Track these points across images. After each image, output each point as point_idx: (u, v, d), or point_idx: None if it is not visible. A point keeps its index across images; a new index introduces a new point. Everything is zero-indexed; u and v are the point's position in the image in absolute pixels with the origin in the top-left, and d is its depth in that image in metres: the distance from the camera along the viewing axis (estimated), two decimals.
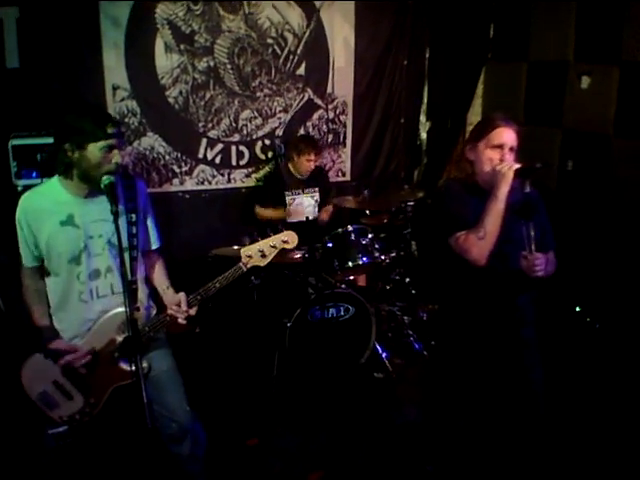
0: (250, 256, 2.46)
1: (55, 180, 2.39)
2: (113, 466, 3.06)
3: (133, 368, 2.28)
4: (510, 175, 2.35)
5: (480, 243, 2.37)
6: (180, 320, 2.42)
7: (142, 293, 2.56)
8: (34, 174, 3.94)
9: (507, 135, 2.45)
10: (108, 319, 2.43)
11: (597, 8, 4.70)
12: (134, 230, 2.39)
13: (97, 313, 2.44)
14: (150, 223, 2.64)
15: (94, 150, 2.24)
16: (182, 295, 2.43)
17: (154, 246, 2.67)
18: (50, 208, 2.35)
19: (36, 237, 2.37)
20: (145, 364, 2.42)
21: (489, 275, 2.47)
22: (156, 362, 2.51)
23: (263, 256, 2.47)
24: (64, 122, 2.30)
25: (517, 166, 2.36)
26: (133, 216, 2.41)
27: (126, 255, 2.34)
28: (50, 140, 3.87)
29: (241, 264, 2.46)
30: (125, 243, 2.36)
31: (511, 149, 2.45)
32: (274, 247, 2.48)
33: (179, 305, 2.40)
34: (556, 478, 2.97)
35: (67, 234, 2.36)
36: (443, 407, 2.82)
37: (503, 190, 2.35)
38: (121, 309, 2.39)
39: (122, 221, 2.35)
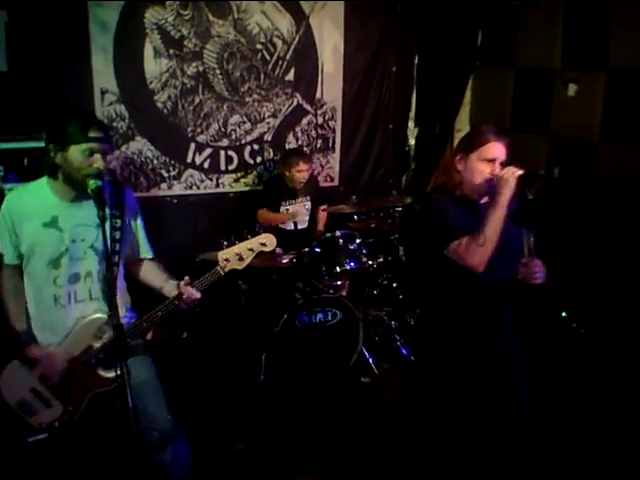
0: (228, 259, 2.45)
1: (44, 180, 2.39)
2: (94, 473, 3.03)
3: (112, 375, 2.30)
4: (513, 182, 2.33)
5: (480, 250, 2.33)
6: (188, 300, 2.40)
7: (121, 301, 2.50)
8: (21, 178, 3.91)
9: (498, 149, 2.46)
10: (85, 325, 2.41)
11: (584, 16, 4.76)
12: (117, 236, 2.37)
13: (74, 319, 2.42)
14: (142, 232, 2.63)
15: (75, 153, 2.23)
16: (187, 278, 2.43)
17: (147, 255, 2.66)
18: (35, 208, 2.34)
19: (18, 235, 2.36)
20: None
21: (479, 285, 2.46)
22: (135, 369, 2.46)
23: (241, 259, 2.47)
24: (51, 123, 2.30)
25: (520, 172, 2.35)
26: (118, 222, 2.39)
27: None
28: (37, 144, 3.96)
29: (218, 268, 2.45)
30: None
31: (501, 163, 2.46)
32: (251, 250, 2.48)
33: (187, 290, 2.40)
34: None
35: (49, 236, 2.35)
36: (427, 412, 2.83)
37: (506, 196, 2.33)
38: (98, 315, 2.40)
39: (107, 226, 2.33)
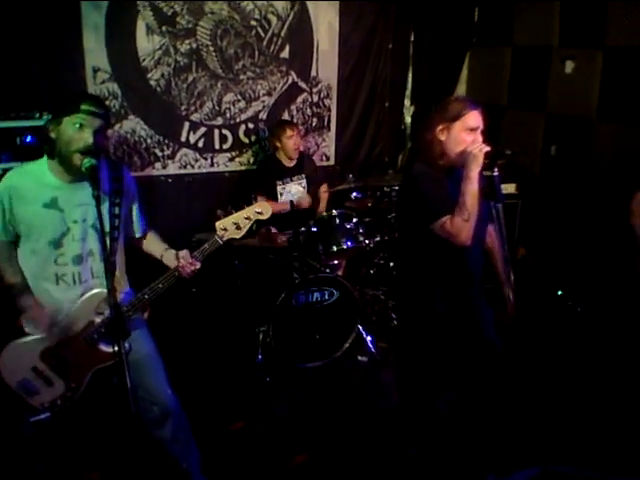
0: (225, 229, 2.49)
1: (44, 161, 2.37)
2: (95, 451, 3.05)
3: (111, 350, 2.32)
4: (481, 157, 2.42)
5: (466, 225, 2.42)
6: (187, 273, 2.44)
7: (121, 275, 2.55)
8: (12, 157, 3.87)
9: (479, 118, 2.56)
10: (85, 300, 2.41)
11: None
12: (116, 211, 2.38)
13: (78, 296, 2.42)
14: (136, 211, 2.64)
15: (67, 125, 2.23)
16: (185, 250, 2.48)
17: (137, 234, 2.68)
18: (35, 189, 2.33)
19: (14, 215, 2.34)
20: (126, 345, 2.40)
21: (461, 257, 2.57)
22: (136, 343, 2.46)
23: (238, 228, 2.51)
24: (54, 103, 2.31)
25: (487, 149, 2.44)
26: (117, 198, 2.40)
27: (107, 238, 2.34)
28: (29, 123, 3.90)
29: (216, 237, 2.48)
30: (108, 226, 2.35)
31: (482, 131, 2.56)
32: (248, 219, 2.52)
33: (186, 260, 2.44)
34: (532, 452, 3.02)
35: (50, 217, 2.34)
36: (414, 388, 2.87)
37: (475, 171, 2.42)
38: (98, 290, 2.40)
39: (106, 203, 2.36)
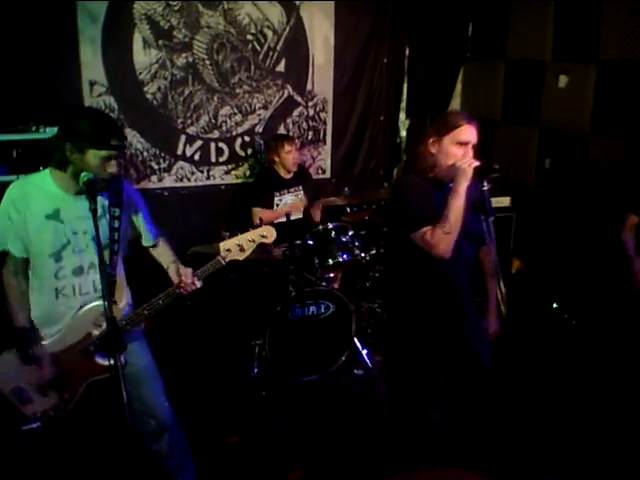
0: (229, 250, 2.51)
1: (47, 172, 2.37)
2: (89, 463, 3.02)
3: (110, 363, 2.30)
4: (470, 172, 2.41)
5: (446, 237, 2.42)
6: (187, 290, 2.47)
7: (122, 290, 2.53)
8: (9, 170, 3.86)
9: (471, 133, 2.54)
10: (84, 312, 2.41)
11: (574, 7, 4.76)
12: (116, 224, 2.39)
13: (77, 309, 2.42)
14: (142, 221, 2.65)
15: (93, 157, 2.24)
16: (189, 269, 2.50)
17: (147, 243, 2.69)
18: (38, 200, 2.33)
19: (26, 224, 2.33)
20: (122, 358, 2.39)
21: (444, 270, 2.56)
22: (133, 356, 2.47)
23: (241, 250, 2.53)
24: (72, 121, 2.28)
25: (476, 164, 2.43)
26: (117, 210, 2.40)
27: (107, 250, 2.36)
28: (26, 136, 3.90)
29: (219, 258, 2.51)
30: (107, 239, 2.36)
31: (473, 146, 2.55)
32: (252, 241, 2.54)
33: (187, 278, 2.46)
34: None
35: (51, 228, 2.34)
36: (402, 400, 2.86)
37: (463, 186, 2.42)
38: (98, 302, 2.39)
39: (106, 216, 2.38)
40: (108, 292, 2.07)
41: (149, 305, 2.42)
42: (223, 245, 2.51)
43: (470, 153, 2.53)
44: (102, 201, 2.39)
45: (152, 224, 2.70)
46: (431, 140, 2.58)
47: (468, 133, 2.53)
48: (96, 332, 2.40)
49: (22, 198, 2.33)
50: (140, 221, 2.64)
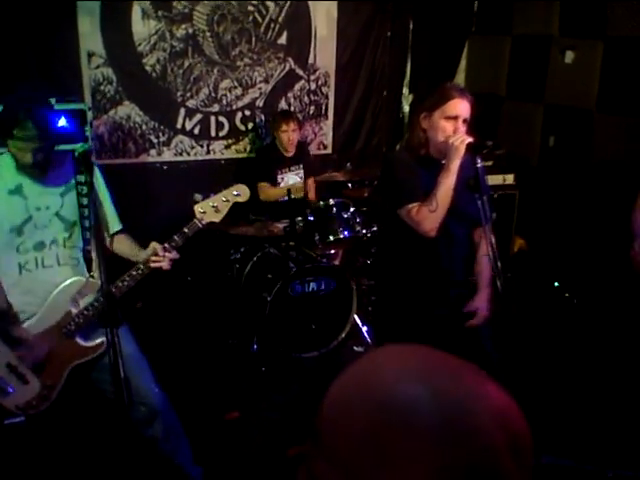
0: (204, 212, 2.47)
1: None
2: (82, 451, 2.96)
3: (91, 343, 2.35)
4: (462, 149, 2.35)
5: (432, 215, 2.38)
6: (166, 266, 2.40)
7: (97, 267, 2.44)
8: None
9: (462, 107, 2.45)
10: (61, 291, 2.36)
11: None
12: (85, 202, 2.32)
13: (43, 284, 2.36)
14: (108, 204, 2.58)
15: (10, 145, 2.24)
16: (154, 243, 2.43)
17: (116, 228, 2.61)
18: (2, 174, 2.31)
19: None
20: (102, 338, 2.34)
21: (434, 251, 2.53)
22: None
23: (217, 211, 2.49)
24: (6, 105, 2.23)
25: (469, 140, 2.36)
26: (84, 188, 2.32)
27: (77, 227, 2.36)
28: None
29: (196, 220, 2.46)
30: (75, 216, 2.35)
31: (464, 121, 2.46)
32: (227, 201, 2.50)
33: (157, 255, 2.39)
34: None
35: (13, 203, 2.30)
36: None
37: (455, 163, 2.36)
38: (74, 279, 2.36)
39: (73, 193, 2.33)
40: (87, 266, 2.02)
41: (113, 285, 2.35)
42: (197, 207, 2.47)
43: (462, 128, 2.44)
44: (66, 178, 2.38)
45: (110, 215, 2.62)
46: (422, 115, 2.51)
47: (459, 107, 2.44)
48: (75, 310, 2.36)
49: None
50: (107, 205, 2.57)
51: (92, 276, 2.31)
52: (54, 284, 2.37)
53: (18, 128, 2.20)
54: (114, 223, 2.61)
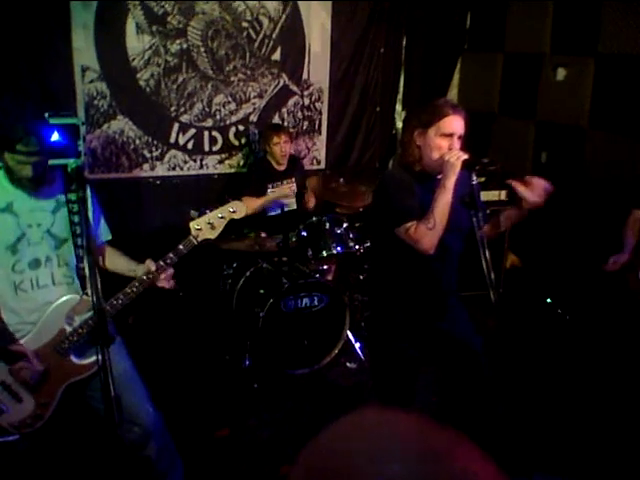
0: (200, 229, 2.44)
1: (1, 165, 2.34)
2: (73, 470, 2.92)
3: (86, 362, 2.32)
4: (458, 165, 2.35)
5: (430, 233, 2.37)
6: (168, 285, 2.41)
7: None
8: None
9: (456, 124, 2.46)
10: (55, 309, 2.34)
11: (574, 0, 4.70)
12: (76, 219, 2.32)
13: (38, 304, 2.35)
14: (98, 216, 2.58)
15: (8, 158, 2.23)
16: (148, 261, 2.41)
17: (106, 237, 2.62)
18: None
19: None
20: (95, 358, 2.26)
21: (428, 264, 2.52)
22: (112, 359, 2.41)
23: (212, 228, 2.46)
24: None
25: (465, 157, 2.36)
26: (74, 206, 2.33)
27: (67, 244, 2.35)
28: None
29: (191, 237, 2.44)
30: (66, 233, 2.34)
31: (459, 137, 2.47)
32: (223, 218, 2.48)
33: (150, 272, 2.38)
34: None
35: (5, 221, 2.29)
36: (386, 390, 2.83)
37: (451, 180, 2.36)
38: (69, 296, 2.35)
39: (64, 211, 2.34)
40: (96, 283, 1.99)
41: (108, 303, 2.34)
42: (193, 224, 2.44)
43: (457, 145, 2.45)
44: (56, 196, 2.38)
45: (101, 226, 2.62)
46: (417, 132, 2.50)
47: (454, 124, 2.45)
48: (69, 328, 2.34)
49: None
50: (96, 217, 2.57)
51: (86, 294, 2.28)
52: (49, 303, 2.35)
53: (21, 143, 2.19)
54: (105, 234, 2.61)
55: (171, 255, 2.41)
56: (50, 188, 2.37)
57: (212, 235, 2.47)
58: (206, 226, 2.45)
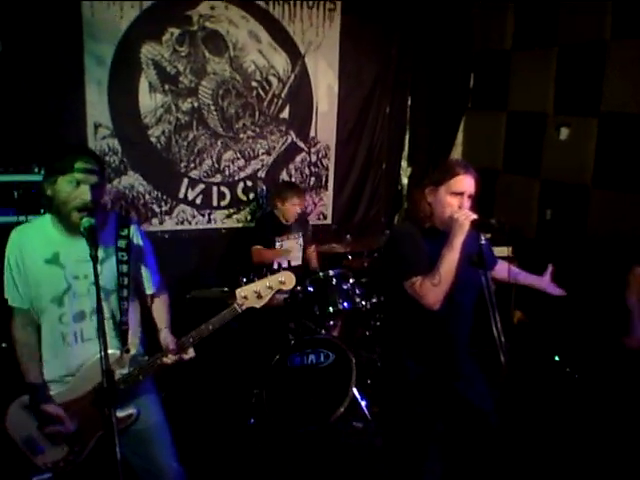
0: (246, 297, 2.38)
1: (47, 216, 2.32)
2: None
3: (122, 414, 2.28)
4: (467, 225, 2.40)
5: (435, 289, 2.40)
6: (168, 361, 2.34)
7: (133, 337, 2.41)
8: (11, 212, 3.84)
9: (467, 183, 2.52)
10: (94, 363, 2.30)
11: (576, 61, 4.82)
12: (125, 269, 2.30)
13: (82, 358, 2.33)
14: (145, 267, 2.52)
15: (62, 184, 2.18)
16: (169, 338, 2.37)
17: (148, 291, 2.55)
18: (38, 244, 2.28)
19: (26, 271, 2.27)
20: (133, 410, 2.33)
21: (439, 319, 2.52)
22: (145, 410, 2.37)
23: (259, 297, 2.39)
24: (46, 159, 2.26)
25: (473, 217, 2.42)
26: (124, 255, 2.32)
27: (114, 296, 2.30)
28: (28, 177, 3.89)
29: (236, 305, 2.37)
30: (114, 284, 2.30)
31: (469, 196, 2.53)
32: (270, 288, 2.40)
33: (168, 347, 2.34)
34: None
35: (51, 273, 2.27)
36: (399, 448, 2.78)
37: (459, 239, 2.41)
38: (111, 351, 2.30)
39: (112, 260, 2.31)
40: (105, 340, 1.98)
41: (142, 368, 2.34)
42: (240, 292, 2.36)
43: (466, 203, 2.51)
44: (105, 244, 2.32)
45: (155, 272, 2.59)
46: (428, 189, 2.58)
47: (464, 183, 2.51)
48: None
49: (21, 244, 2.29)
50: (144, 265, 2.52)
51: (127, 350, 2.26)
52: (92, 357, 2.31)
53: (81, 160, 2.17)
54: (147, 284, 2.54)
55: (213, 321, 2.35)
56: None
57: (258, 304, 2.39)
58: (252, 295, 2.38)
